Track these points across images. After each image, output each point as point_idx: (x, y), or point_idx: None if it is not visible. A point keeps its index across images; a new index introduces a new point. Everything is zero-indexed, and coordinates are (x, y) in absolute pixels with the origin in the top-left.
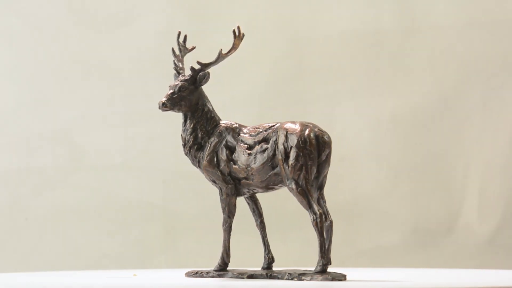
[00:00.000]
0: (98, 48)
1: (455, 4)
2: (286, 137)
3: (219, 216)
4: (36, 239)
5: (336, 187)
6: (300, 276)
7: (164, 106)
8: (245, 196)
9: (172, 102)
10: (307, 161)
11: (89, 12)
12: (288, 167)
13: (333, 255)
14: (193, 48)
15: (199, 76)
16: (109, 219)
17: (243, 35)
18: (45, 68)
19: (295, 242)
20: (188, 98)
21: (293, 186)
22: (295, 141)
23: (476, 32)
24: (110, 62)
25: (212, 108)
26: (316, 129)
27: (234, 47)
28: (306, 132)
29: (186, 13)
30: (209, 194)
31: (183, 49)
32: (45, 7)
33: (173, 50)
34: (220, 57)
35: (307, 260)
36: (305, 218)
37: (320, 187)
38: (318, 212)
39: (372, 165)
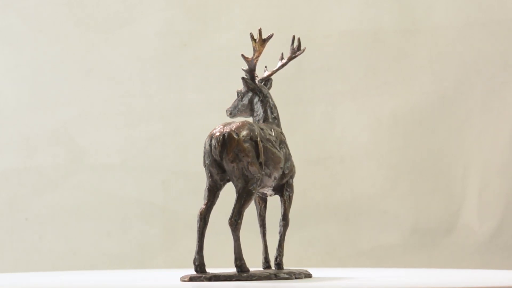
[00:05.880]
0: (98, 48)
1: (455, 4)
2: None
3: (219, 216)
4: (36, 239)
5: (336, 187)
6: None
7: (227, 113)
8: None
9: (232, 109)
10: (204, 161)
11: (89, 12)
12: None
13: (333, 255)
14: (304, 49)
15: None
16: (109, 219)
17: (272, 35)
18: (45, 67)
19: (295, 242)
20: (243, 103)
21: None
22: None
23: (476, 32)
24: (110, 62)
25: (268, 111)
26: (218, 129)
27: (256, 50)
28: (211, 133)
29: (186, 13)
30: None
31: (294, 52)
32: (45, 7)
33: (282, 55)
34: (273, 72)
35: (306, 260)
36: (305, 218)
37: (235, 187)
38: (198, 211)
39: (372, 165)
